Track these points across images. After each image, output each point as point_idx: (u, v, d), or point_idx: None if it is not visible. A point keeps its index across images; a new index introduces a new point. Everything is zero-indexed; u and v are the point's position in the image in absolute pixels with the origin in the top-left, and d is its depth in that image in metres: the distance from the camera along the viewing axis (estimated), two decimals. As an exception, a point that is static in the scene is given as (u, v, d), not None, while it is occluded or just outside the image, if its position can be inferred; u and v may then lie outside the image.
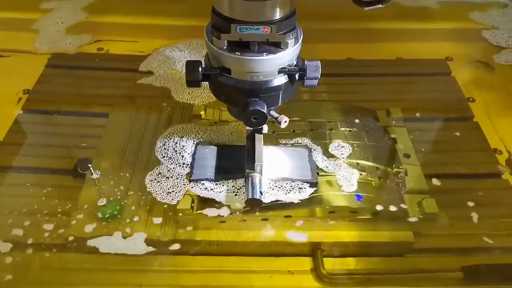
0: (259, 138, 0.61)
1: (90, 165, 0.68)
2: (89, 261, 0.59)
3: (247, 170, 0.61)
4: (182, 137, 0.73)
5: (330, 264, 0.59)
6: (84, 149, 0.72)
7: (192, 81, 0.54)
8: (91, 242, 0.60)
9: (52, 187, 0.66)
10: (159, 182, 0.67)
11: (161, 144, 0.72)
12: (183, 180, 0.67)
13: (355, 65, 0.92)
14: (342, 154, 0.71)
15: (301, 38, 0.54)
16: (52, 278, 0.58)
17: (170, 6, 1.07)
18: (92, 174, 0.68)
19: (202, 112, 0.78)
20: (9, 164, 0.70)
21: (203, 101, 0.80)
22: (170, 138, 0.73)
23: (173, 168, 0.69)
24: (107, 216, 0.63)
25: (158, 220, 0.63)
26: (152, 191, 0.66)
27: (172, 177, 0.67)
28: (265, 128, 0.62)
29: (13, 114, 0.78)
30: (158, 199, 0.65)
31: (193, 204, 0.64)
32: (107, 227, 0.62)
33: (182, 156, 0.70)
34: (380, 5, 0.46)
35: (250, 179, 0.60)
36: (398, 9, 1.04)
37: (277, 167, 0.67)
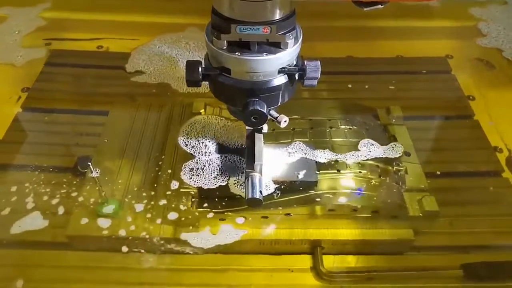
0: (259, 137, 0.61)
1: (90, 163, 0.68)
2: (89, 259, 0.60)
3: (246, 170, 0.61)
4: (203, 127, 0.74)
5: (330, 262, 0.60)
6: (84, 147, 0.72)
7: (192, 81, 0.54)
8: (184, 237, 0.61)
9: (52, 185, 0.66)
10: (198, 175, 0.67)
11: (184, 136, 0.73)
12: (217, 162, 0.69)
13: (355, 63, 0.92)
14: (370, 152, 0.71)
15: (301, 38, 0.54)
16: (49, 277, 0.58)
17: (168, 4, 1.06)
18: (92, 172, 0.68)
19: (202, 110, 0.78)
20: (9, 163, 0.70)
21: (207, 88, 0.80)
22: (192, 129, 0.74)
23: (199, 158, 0.70)
24: (106, 214, 0.63)
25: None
26: (198, 185, 0.66)
27: (205, 166, 0.68)
28: (265, 128, 0.62)
29: (13, 113, 0.78)
30: (210, 187, 0.66)
31: (193, 202, 0.65)
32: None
33: (206, 146, 0.71)
34: (379, 6, 0.46)
35: (250, 178, 0.60)
36: (398, 6, 1.03)
37: (277, 167, 0.68)
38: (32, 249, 0.60)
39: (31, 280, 0.58)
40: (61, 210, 0.63)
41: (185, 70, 0.54)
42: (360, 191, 0.66)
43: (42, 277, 0.58)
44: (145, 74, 0.86)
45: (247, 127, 0.62)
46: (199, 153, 0.70)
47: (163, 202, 0.65)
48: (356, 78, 0.88)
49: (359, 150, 0.72)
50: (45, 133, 0.76)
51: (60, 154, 0.72)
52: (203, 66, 0.55)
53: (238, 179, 0.67)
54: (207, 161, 0.69)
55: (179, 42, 0.92)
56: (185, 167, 0.69)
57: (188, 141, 0.72)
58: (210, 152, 0.70)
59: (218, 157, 0.70)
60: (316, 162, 0.69)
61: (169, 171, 0.69)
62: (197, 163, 0.69)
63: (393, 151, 0.71)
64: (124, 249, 0.60)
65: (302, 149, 0.71)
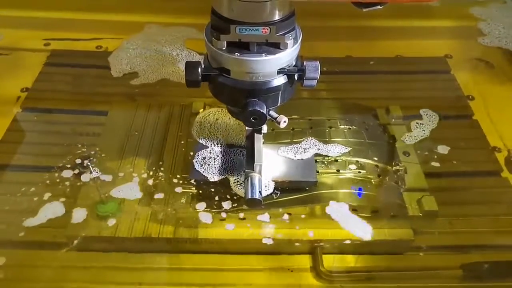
0: (258, 138, 0.61)
1: (89, 163, 0.68)
2: (89, 260, 0.60)
3: (246, 170, 0.61)
4: (217, 119, 0.75)
5: (330, 261, 0.60)
6: (83, 147, 0.72)
7: (192, 81, 0.54)
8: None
9: (51, 185, 0.66)
10: (209, 164, 0.68)
11: (197, 127, 0.74)
12: (227, 152, 0.70)
13: (355, 63, 0.92)
14: (424, 131, 0.75)
15: (300, 38, 0.54)
16: (50, 276, 0.58)
17: (169, 4, 1.07)
18: (91, 172, 0.68)
19: (201, 110, 0.78)
20: (8, 163, 0.70)
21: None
22: (205, 120, 0.75)
23: (212, 148, 0.71)
24: (105, 214, 0.63)
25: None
26: (208, 174, 0.67)
27: (218, 156, 0.69)
28: (265, 128, 0.62)
29: (12, 113, 0.78)
30: (222, 176, 0.67)
31: (192, 202, 0.65)
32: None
33: (217, 137, 0.72)
34: (378, 7, 0.46)
35: (249, 179, 0.60)
36: (397, 6, 1.03)
37: (277, 167, 0.68)
38: (31, 249, 0.60)
39: (30, 280, 0.58)
40: (60, 210, 0.63)
41: (184, 71, 0.54)
42: (360, 190, 0.66)
43: (42, 277, 0.58)
44: (141, 74, 0.86)
45: (246, 128, 0.62)
46: (211, 144, 0.71)
47: (163, 201, 0.65)
48: (355, 78, 0.88)
49: (412, 131, 0.74)
50: (44, 133, 0.76)
51: (60, 154, 0.71)
52: (203, 66, 0.55)
53: (238, 178, 0.67)
54: (221, 151, 0.70)
55: (151, 40, 0.94)
56: (198, 155, 0.69)
57: (200, 132, 0.73)
58: (222, 144, 0.71)
59: (231, 150, 0.71)
60: (316, 161, 0.69)
61: (170, 169, 0.69)
62: (210, 152, 0.70)
63: (431, 118, 0.77)
64: (124, 248, 0.60)
65: (316, 145, 0.71)
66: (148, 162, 0.70)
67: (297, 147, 0.71)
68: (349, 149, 0.71)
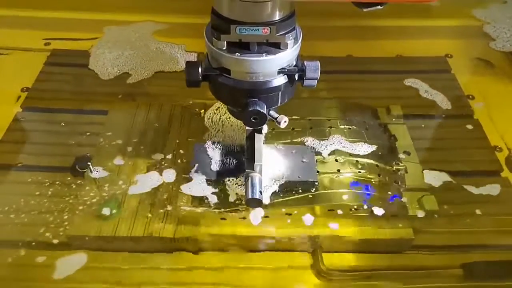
0: (259, 138, 0.61)
1: (89, 163, 0.68)
2: (88, 260, 0.59)
3: (246, 170, 0.61)
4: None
5: (330, 260, 0.60)
6: (83, 147, 0.72)
7: (192, 81, 0.54)
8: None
9: (51, 185, 0.67)
10: (220, 149, 0.70)
11: (209, 115, 0.76)
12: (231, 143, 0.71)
13: (355, 63, 0.92)
14: (437, 93, 0.79)
15: (301, 38, 0.54)
16: (49, 276, 0.58)
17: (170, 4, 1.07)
18: (91, 171, 0.68)
19: (202, 111, 0.78)
20: (8, 162, 0.70)
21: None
22: (218, 111, 0.77)
23: (222, 136, 0.72)
24: (106, 213, 0.63)
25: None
26: (215, 157, 0.69)
27: (228, 146, 0.71)
28: (265, 128, 0.62)
29: (12, 112, 0.78)
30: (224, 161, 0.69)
31: (193, 200, 0.65)
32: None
33: (222, 125, 0.74)
34: (379, 7, 0.46)
35: (249, 179, 0.60)
36: (397, 6, 1.03)
37: (277, 167, 0.68)
38: (31, 249, 0.60)
39: (30, 280, 0.58)
40: (60, 210, 0.63)
41: (185, 71, 0.54)
42: (367, 189, 0.66)
43: (41, 277, 0.58)
44: (132, 73, 0.86)
45: (247, 128, 0.62)
46: (218, 130, 0.73)
47: (164, 200, 0.65)
48: (356, 77, 0.88)
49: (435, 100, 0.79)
50: (44, 133, 0.77)
51: (60, 154, 0.72)
52: (203, 66, 0.55)
53: (239, 179, 0.67)
54: (231, 141, 0.72)
55: (119, 42, 0.94)
56: (208, 140, 0.71)
57: (213, 120, 0.75)
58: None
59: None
60: (316, 161, 0.69)
61: (170, 169, 0.69)
62: (222, 139, 0.71)
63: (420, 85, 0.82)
64: (124, 248, 0.60)
65: (340, 143, 0.71)
66: (149, 161, 0.70)
67: (322, 144, 0.72)
68: (375, 147, 0.71)
